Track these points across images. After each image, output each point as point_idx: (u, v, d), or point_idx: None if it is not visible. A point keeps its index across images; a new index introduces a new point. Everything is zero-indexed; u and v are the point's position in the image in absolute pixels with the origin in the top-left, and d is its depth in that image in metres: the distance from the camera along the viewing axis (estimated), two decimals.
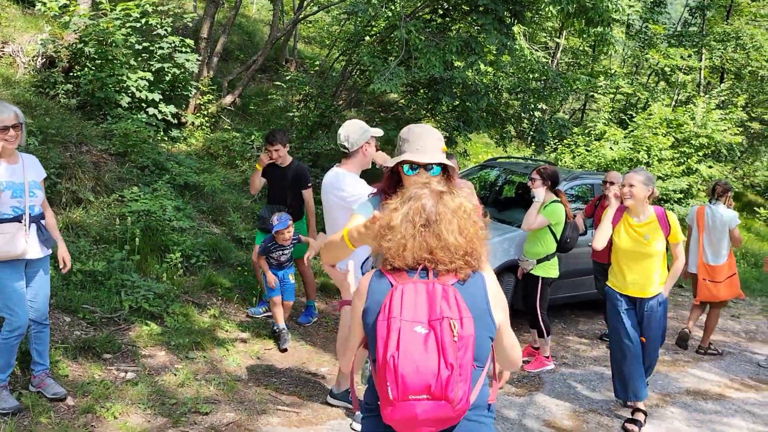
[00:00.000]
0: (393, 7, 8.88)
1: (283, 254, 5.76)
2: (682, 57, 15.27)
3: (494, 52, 8.53)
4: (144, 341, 5.19)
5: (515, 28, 8.73)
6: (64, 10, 8.79)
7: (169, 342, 5.27)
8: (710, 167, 13.15)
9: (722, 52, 15.66)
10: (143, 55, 9.15)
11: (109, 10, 8.76)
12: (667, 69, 15.95)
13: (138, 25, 8.91)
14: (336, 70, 10.31)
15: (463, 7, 8.80)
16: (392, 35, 9.06)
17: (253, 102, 11.96)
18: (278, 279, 5.73)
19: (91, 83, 8.37)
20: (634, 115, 14.70)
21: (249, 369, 5.20)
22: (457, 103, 8.84)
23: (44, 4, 8.66)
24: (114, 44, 8.42)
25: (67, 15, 8.66)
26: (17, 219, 3.84)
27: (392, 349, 1.96)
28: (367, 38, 9.28)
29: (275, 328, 5.83)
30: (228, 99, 10.60)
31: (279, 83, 10.37)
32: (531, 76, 9.63)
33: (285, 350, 5.66)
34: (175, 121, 9.37)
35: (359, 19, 9.37)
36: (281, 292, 5.78)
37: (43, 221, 4.04)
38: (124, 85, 8.53)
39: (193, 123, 9.77)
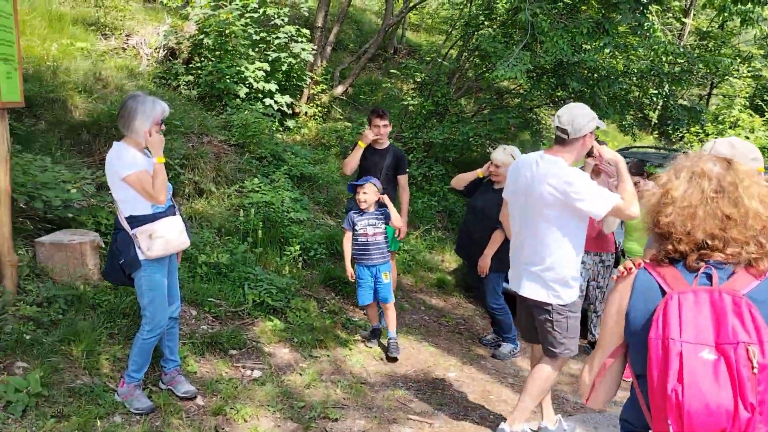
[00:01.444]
0: None
1: (369, 224, 5.06)
2: None
3: (629, 32, 7.87)
4: (268, 337, 5.07)
5: (652, 7, 8.02)
6: (185, 1, 8.90)
7: (292, 339, 5.13)
8: None
9: None
10: (260, 45, 9.14)
11: (228, 1, 8.78)
12: None
13: (256, 15, 8.90)
14: (451, 58, 9.92)
15: None
16: (515, 18, 8.56)
17: (363, 91, 11.80)
18: (370, 277, 5.13)
19: (211, 74, 8.42)
20: None
21: (373, 371, 4.98)
22: (584, 89, 8.24)
23: None
24: (233, 35, 8.43)
25: (189, 6, 8.76)
26: (172, 211, 3.78)
27: (673, 381, 1.58)
28: (487, 22, 8.84)
29: (373, 328, 5.52)
30: (339, 89, 10.47)
31: (394, 71, 10.11)
32: (665, 58, 8.86)
33: (395, 359, 5.22)
34: (290, 112, 9.33)
35: (479, 1, 8.95)
36: (375, 293, 5.20)
37: None
38: (242, 75, 8.54)
39: (305, 113, 9.70)
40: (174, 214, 3.78)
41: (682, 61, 8.91)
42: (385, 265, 5.15)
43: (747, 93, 13.78)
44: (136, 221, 3.65)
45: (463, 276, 7.77)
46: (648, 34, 8.02)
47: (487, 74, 8.96)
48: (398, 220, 5.10)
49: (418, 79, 8.81)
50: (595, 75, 8.35)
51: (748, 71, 13.88)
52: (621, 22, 7.55)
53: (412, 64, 9.39)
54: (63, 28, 8.58)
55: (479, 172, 5.47)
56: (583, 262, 5.79)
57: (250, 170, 7.57)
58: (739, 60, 12.82)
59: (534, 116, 9.09)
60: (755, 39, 16.51)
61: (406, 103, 8.88)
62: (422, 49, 14.91)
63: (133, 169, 3.56)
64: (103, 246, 4.93)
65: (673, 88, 9.42)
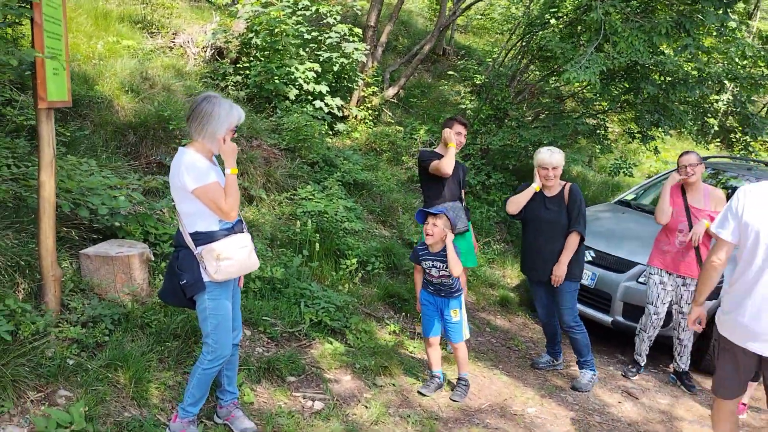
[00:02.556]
0: None
1: (433, 266, 4.38)
2: None
3: (708, 34, 7.26)
4: (328, 362, 4.62)
5: (738, 6, 7.39)
6: None
7: (353, 364, 4.67)
8: None
9: None
10: (311, 45, 8.74)
11: None
12: None
13: (307, 13, 8.50)
14: (509, 60, 9.38)
15: None
16: (583, 17, 8.00)
17: (413, 94, 11.33)
18: (436, 309, 4.52)
19: (260, 75, 8.03)
20: None
21: (444, 404, 4.49)
22: (659, 93, 7.64)
23: None
24: (284, 33, 8.03)
25: (239, 3, 8.40)
26: (240, 227, 3.36)
27: None
28: (553, 21, 8.29)
29: (433, 374, 4.70)
30: (391, 91, 10.02)
31: (452, 72, 9.62)
32: (742, 62, 8.21)
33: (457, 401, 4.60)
34: (339, 115, 8.91)
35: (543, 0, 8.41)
36: (440, 329, 4.58)
37: None
38: (292, 76, 8.14)
39: (355, 116, 9.27)
40: (242, 231, 3.35)
41: (763, 64, 8.24)
42: (454, 301, 4.49)
43: None
44: (201, 238, 3.23)
45: (527, 292, 7.23)
46: (732, 35, 7.38)
47: (554, 77, 8.42)
48: (457, 266, 4.28)
49: (478, 82, 8.30)
50: (668, 79, 7.74)
51: None
52: (706, 21, 6.93)
53: (471, 66, 8.88)
54: (109, 26, 8.29)
55: (536, 187, 4.95)
56: (662, 283, 5.24)
57: (302, 176, 7.15)
58: None
59: (602, 122, 8.49)
60: None
61: (463, 107, 8.38)
62: (472, 50, 14.40)
63: (203, 180, 3.14)
64: (153, 259, 4.53)
65: (755, 94, 8.76)
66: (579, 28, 8.11)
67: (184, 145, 3.34)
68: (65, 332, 3.69)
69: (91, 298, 4.13)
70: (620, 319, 5.82)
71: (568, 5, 8.31)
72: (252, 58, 8.43)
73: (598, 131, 8.29)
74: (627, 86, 7.98)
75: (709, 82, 8.05)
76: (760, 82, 8.31)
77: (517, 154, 8.48)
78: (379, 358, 4.80)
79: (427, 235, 4.29)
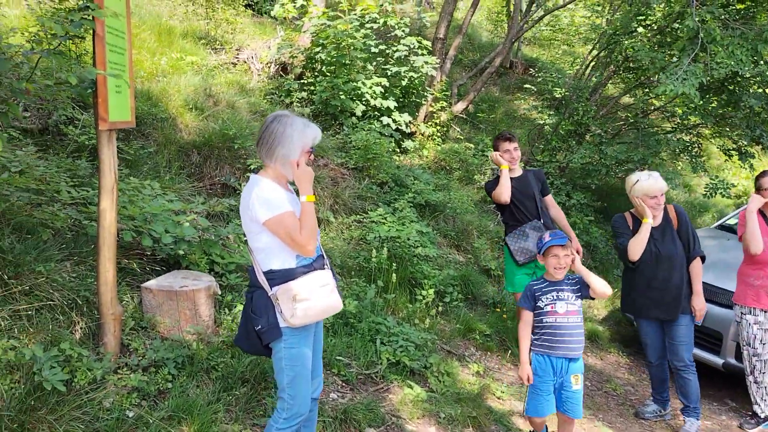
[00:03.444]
0: None
1: (558, 298, 3.59)
2: None
3: None
4: (409, 410, 4.13)
5: None
6: (301, 11, 8.23)
7: (437, 413, 4.16)
8: None
9: None
10: (378, 59, 8.34)
11: (347, 9, 8.03)
12: None
13: (376, 25, 8.11)
14: (588, 73, 8.77)
15: None
16: (674, 25, 7.37)
17: (481, 109, 10.82)
18: (554, 377, 3.61)
19: (326, 90, 7.67)
20: None
21: None
22: (762, 107, 6.93)
23: (283, 5, 8.13)
24: (352, 47, 7.66)
25: (305, 17, 8.08)
26: (320, 264, 2.91)
27: None
28: (641, 30, 7.67)
29: None
30: (459, 106, 9.54)
31: (529, 86, 9.09)
32: None
33: None
34: (407, 131, 8.48)
35: (628, 7, 7.80)
36: (556, 401, 3.65)
37: None
38: (359, 92, 7.75)
39: (423, 133, 8.81)
40: (323, 268, 2.90)
41: None
42: (576, 364, 3.61)
43: None
44: (277, 277, 2.80)
45: (617, 325, 6.61)
46: None
47: (642, 89, 7.79)
48: (600, 283, 3.58)
49: (558, 95, 7.74)
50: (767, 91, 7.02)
51: None
52: None
53: (550, 79, 8.32)
54: (172, 42, 8.09)
55: (646, 220, 4.34)
56: (758, 323, 4.56)
57: (371, 197, 6.73)
58: None
59: (696, 139, 7.80)
60: None
61: (542, 122, 7.82)
62: (540, 63, 13.81)
63: (276, 210, 2.72)
64: (219, 293, 4.14)
65: None
66: (668, 38, 7.46)
67: (256, 172, 2.93)
68: (125, 380, 3.31)
69: (153, 337, 3.76)
70: (732, 361, 5.15)
71: (657, 13, 7.68)
72: (317, 74, 8.09)
73: (690, 148, 7.60)
74: (725, 99, 7.28)
75: None
76: None
77: (599, 172, 7.85)
78: (465, 406, 4.28)
79: (560, 269, 3.59)
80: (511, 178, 4.92)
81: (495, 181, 4.99)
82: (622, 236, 4.44)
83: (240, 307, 4.32)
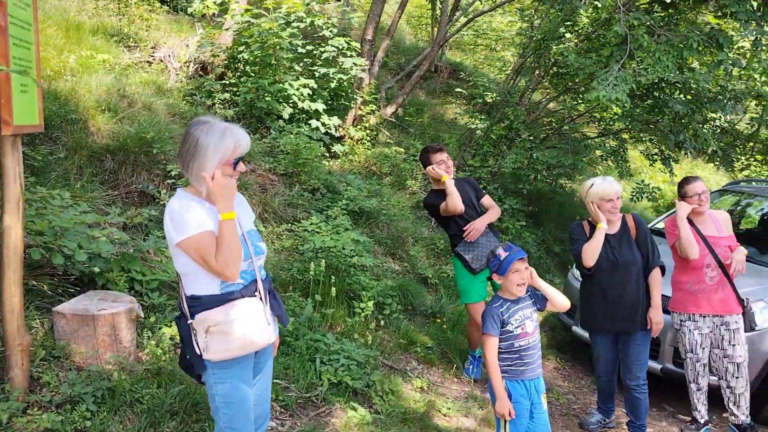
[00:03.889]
0: None
1: (527, 318, 3.34)
2: None
3: (752, 49, 6.72)
4: None
5: None
6: (222, 8, 7.81)
7: None
8: None
9: None
10: (305, 59, 8.02)
11: (272, 7, 7.67)
12: None
13: (302, 25, 7.79)
14: (514, 78, 8.75)
15: None
16: (601, 31, 7.44)
17: (408, 113, 10.67)
18: (528, 401, 3.35)
19: (250, 92, 7.29)
20: None
21: None
22: (687, 113, 7.08)
23: (203, 1, 7.68)
24: (279, 47, 7.31)
25: (227, 14, 7.66)
26: (251, 290, 2.56)
27: None
28: (568, 35, 7.71)
29: None
30: (388, 110, 9.33)
31: (460, 90, 8.99)
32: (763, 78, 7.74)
33: None
34: (337, 135, 8.20)
35: (556, 12, 7.83)
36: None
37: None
38: (286, 93, 7.40)
39: (352, 137, 8.55)
40: (253, 295, 2.55)
41: None
42: (542, 380, 3.46)
43: None
44: (198, 304, 2.47)
45: (552, 331, 6.56)
46: (764, 49, 6.87)
47: (578, 96, 7.83)
48: (561, 296, 3.44)
49: (489, 100, 7.67)
50: (688, 97, 7.19)
51: None
52: (744, 34, 6.40)
53: (481, 83, 8.24)
54: (81, 39, 7.47)
55: (600, 225, 4.22)
56: (698, 328, 4.56)
57: (302, 205, 6.41)
58: None
59: (623, 144, 7.91)
60: None
61: (473, 126, 7.72)
62: (464, 67, 13.84)
63: (189, 231, 2.40)
64: (142, 316, 3.73)
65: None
66: (595, 44, 7.54)
67: (185, 184, 2.60)
68: (36, 421, 2.88)
69: (68, 369, 3.32)
70: (670, 366, 5.17)
71: (584, 18, 7.74)
72: (240, 74, 7.69)
73: (617, 153, 7.70)
74: (650, 105, 7.41)
75: (731, 101, 7.54)
76: None
77: (529, 177, 7.84)
78: (413, 427, 4.06)
79: (522, 285, 3.32)
80: (440, 191, 4.84)
81: (435, 196, 4.86)
82: (577, 242, 4.32)
83: (165, 330, 3.93)
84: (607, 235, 4.23)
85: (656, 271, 4.27)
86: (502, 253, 3.33)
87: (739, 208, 7.33)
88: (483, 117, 7.71)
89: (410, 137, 9.73)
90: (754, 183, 7.50)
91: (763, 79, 8.25)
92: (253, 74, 7.51)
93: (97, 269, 3.93)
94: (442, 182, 4.77)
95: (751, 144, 10.75)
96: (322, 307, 4.94)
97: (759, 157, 10.72)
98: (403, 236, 6.91)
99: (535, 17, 8.64)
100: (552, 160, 7.33)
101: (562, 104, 8.47)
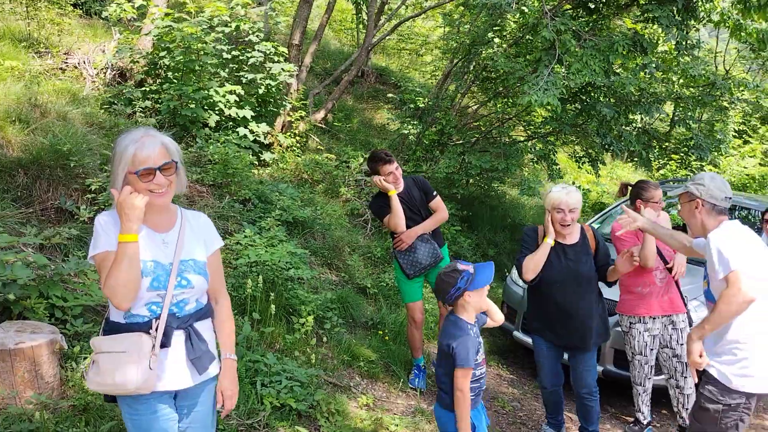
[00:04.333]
0: (529, 2, 7.36)
1: (480, 344, 3.14)
2: None
3: (671, 52, 6.94)
4: None
5: (697, 21, 7.11)
6: (141, 12, 7.43)
7: None
8: None
9: None
10: (231, 65, 7.74)
11: (194, 12, 7.35)
12: None
13: (227, 29, 7.51)
14: (444, 83, 8.74)
15: (620, 0, 7.23)
16: (528, 36, 7.52)
17: (337, 118, 10.51)
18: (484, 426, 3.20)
19: (174, 99, 6.95)
20: (759, 126, 13.00)
21: None
22: (614, 116, 7.23)
23: (119, 5, 7.28)
24: (203, 52, 7.01)
25: (148, 19, 7.29)
26: (149, 326, 2.30)
27: None
28: (497, 40, 7.75)
29: None
30: (318, 115, 9.15)
31: (392, 95, 8.90)
32: (694, 81, 8.00)
33: None
34: (266, 142, 7.94)
35: (484, 18, 7.86)
36: None
37: (199, 326, 2.47)
38: (211, 101, 7.11)
39: (281, 144, 8.31)
40: (147, 332, 2.28)
41: (707, 84, 8.07)
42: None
43: (740, 118, 13.27)
44: (106, 330, 2.35)
45: (492, 336, 6.54)
46: (691, 52, 7.11)
47: (509, 100, 7.88)
48: (499, 312, 3.30)
49: (421, 105, 7.61)
50: (612, 100, 7.37)
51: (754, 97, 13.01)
52: (667, 39, 6.59)
53: (413, 88, 8.18)
54: None
55: (548, 240, 4.07)
56: (647, 330, 4.62)
57: (233, 216, 6.14)
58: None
59: (552, 147, 8.01)
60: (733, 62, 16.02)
61: (405, 132, 7.65)
62: (390, 72, 13.80)
63: (98, 248, 2.26)
64: (66, 348, 3.42)
65: (698, 113, 8.61)
66: (524, 49, 7.62)
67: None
68: None
69: None
70: (612, 368, 5.21)
71: (512, 23, 7.81)
72: (162, 80, 7.34)
73: (547, 156, 7.80)
74: (578, 108, 7.54)
75: (656, 104, 7.78)
76: (704, 101, 8.14)
77: (464, 181, 7.83)
78: None
79: (481, 308, 3.15)
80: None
81: (379, 201, 4.75)
82: (525, 251, 4.17)
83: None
84: (564, 246, 4.10)
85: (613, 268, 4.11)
86: (469, 268, 3.06)
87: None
88: (415, 122, 7.64)
89: (341, 143, 9.58)
90: (674, 183, 7.72)
91: (681, 81, 8.57)
92: (176, 81, 7.18)
93: (12, 297, 3.57)
94: (389, 196, 4.66)
95: (667, 144, 11.20)
96: (260, 325, 4.71)
97: (675, 156, 11.17)
98: (340, 245, 6.75)
99: (464, 21, 8.66)
100: (486, 164, 7.34)
101: (493, 108, 8.52)
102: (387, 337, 5.50)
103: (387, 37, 14.14)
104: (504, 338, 6.45)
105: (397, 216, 4.61)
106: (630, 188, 4.80)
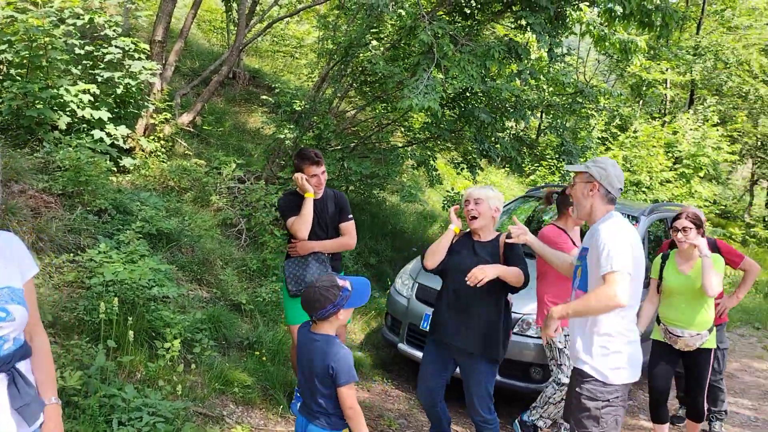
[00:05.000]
0: (406, 5, 7.23)
1: None
2: (661, 71, 14.48)
3: (544, 59, 7.03)
4: None
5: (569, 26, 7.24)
6: None
7: None
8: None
9: (702, 66, 14.98)
10: (85, 61, 7.00)
11: (41, 2, 6.57)
12: (648, 82, 15.14)
13: (79, 22, 6.77)
14: (322, 86, 8.41)
15: (494, 6, 7.24)
16: (406, 39, 7.38)
17: (207, 121, 9.89)
18: None
19: (17, 98, 6.16)
20: (618, 133, 13.72)
21: None
22: (490, 122, 7.24)
23: None
24: (51, 47, 6.26)
25: None
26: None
27: None
28: (375, 43, 7.54)
29: None
30: (185, 118, 8.52)
31: (266, 97, 8.45)
32: (563, 89, 8.21)
33: None
34: (126, 147, 7.25)
35: (360, 20, 7.64)
36: None
37: (22, 367, 2.05)
38: (62, 100, 6.37)
39: (143, 149, 7.64)
40: None
41: (574, 92, 8.32)
42: None
43: (603, 125, 13.95)
44: None
45: (376, 350, 6.30)
46: (563, 59, 7.24)
47: (388, 104, 7.68)
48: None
49: (298, 108, 7.24)
50: (499, 107, 7.41)
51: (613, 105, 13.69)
52: (540, 46, 6.65)
53: (289, 90, 7.77)
54: None
55: (455, 228, 3.96)
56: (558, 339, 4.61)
57: (87, 230, 5.47)
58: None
59: (432, 152, 7.90)
60: (593, 72, 16.89)
61: (281, 136, 7.23)
62: (263, 74, 13.29)
63: None
64: None
65: (567, 120, 8.83)
66: (402, 52, 7.47)
67: None
68: None
69: None
70: (499, 377, 5.11)
71: (389, 27, 7.64)
72: (2, 77, 6.49)
73: (427, 162, 7.69)
74: (457, 114, 7.49)
75: (531, 111, 7.90)
76: (573, 108, 8.38)
77: (344, 188, 7.55)
78: None
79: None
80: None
81: (291, 199, 4.32)
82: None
83: None
84: (474, 242, 3.93)
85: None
86: (347, 284, 2.90)
87: (542, 211, 7.68)
88: (291, 126, 7.26)
89: (211, 148, 8.99)
90: (547, 188, 7.87)
91: (552, 89, 8.79)
92: (19, 78, 6.37)
93: None
94: (305, 197, 4.24)
95: (536, 150, 11.55)
96: (117, 353, 4.16)
97: (544, 163, 11.55)
98: (211, 259, 6.24)
99: (341, 22, 8.40)
100: (366, 170, 7.10)
101: (373, 113, 8.30)
102: (264, 358, 5.09)
103: (260, 38, 13.67)
104: (388, 351, 6.23)
105: (305, 221, 4.18)
106: (556, 197, 4.75)
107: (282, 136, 7.22)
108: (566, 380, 4.45)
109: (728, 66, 14.69)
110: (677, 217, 4.49)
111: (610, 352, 3.05)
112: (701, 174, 11.93)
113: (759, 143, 16.81)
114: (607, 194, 3.15)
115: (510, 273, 3.68)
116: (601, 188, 3.14)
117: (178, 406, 3.88)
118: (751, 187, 18.94)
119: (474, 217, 3.89)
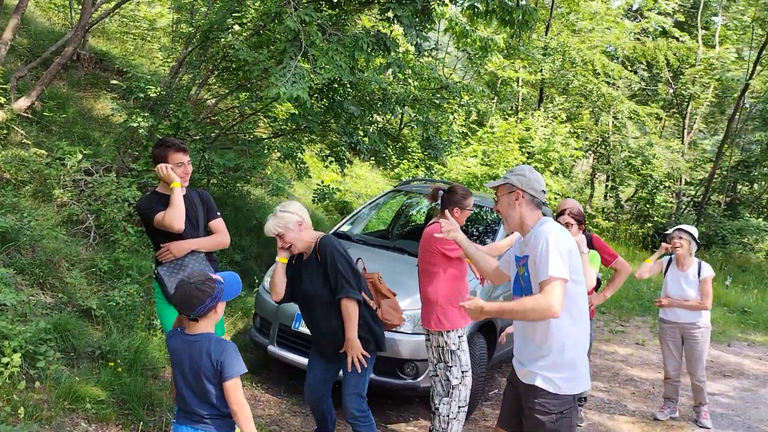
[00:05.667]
0: None
1: None
2: (515, 69, 15.15)
3: (410, 53, 7.02)
4: None
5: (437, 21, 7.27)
6: None
7: None
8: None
9: (551, 66, 15.86)
10: None
11: None
12: (502, 80, 15.79)
13: None
14: (185, 74, 7.87)
15: None
16: (271, 25, 7.09)
17: (48, 107, 8.98)
18: None
19: None
20: (476, 128, 14.17)
21: None
22: (360, 115, 7.14)
23: None
24: None
25: None
26: None
27: None
28: (237, 27, 7.16)
29: None
30: (22, 103, 7.66)
31: (116, 82, 7.75)
32: (428, 84, 8.27)
33: None
34: None
35: (221, 2, 7.24)
36: None
37: None
38: None
39: None
40: None
41: (440, 87, 8.43)
42: None
43: (462, 121, 14.35)
44: None
45: (244, 353, 5.97)
46: (431, 54, 7.27)
47: (253, 93, 7.31)
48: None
49: (153, 95, 6.69)
50: (367, 99, 7.32)
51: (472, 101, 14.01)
52: (408, 40, 6.62)
53: (142, 74, 7.16)
54: None
55: (279, 259, 3.93)
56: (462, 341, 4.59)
57: None
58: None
59: (299, 145, 7.64)
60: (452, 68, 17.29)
61: (135, 125, 6.66)
62: (112, 57, 12.31)
63: None
64: None
65: (432, 115, 8.91)
66: (266, 38, 7.17)
67: None
68: None
69: None
70: (373, 375, 5.01)
71: (252, 11, 7.28)
72: None
73: (294, 155, 7.44)
74: (326, 105, 7.30)
75: (398, 104, 7.90)
76: (437, 103, 8.49)
77: (205, 181, 7.13)
78: None
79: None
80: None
81: (153, 201, 3.89)
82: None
83: None
84: (300, 265, 3.93)
85: (344, 303, 3.77)
86: (218, 277, 2.85)
87: (410, 205, 7.72)
88: (146, 114, 6.71)
89: (53, 136, 8.15)
90: (417, 182, 7.93)
91: (417, 83, 8.86)
92: None
93: None
94: (170, 188, 3.81)
95: (400, 144, 11.66)
96: None
97: (409, 156, 11.69)
98: (55, 260, 5.62)
99: (199, 5, 7.91)
100: (230, 162, 6.72)
101: (235, 102, 7.90)
102: (120, 369, 4.64)
103: (108, 18, 12.67)
104: (257, 353, 5.95)
105: (178, 211, 3.77)
106: (442, 194, 4.61)
107: (135, 125, 6.64)
108: (456, 381, 4.44)
109: (574, 66, 15.69)
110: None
111: (564, 362, 2.98)
112: (552, 168, 12.66)
113: (599, 139, 18.13)
114: (533, 199, 3.10)
115: None
116: (526, 195, 3.09)
117: (19, 429, 3.40)
118: (591, 180, 20.44)
119: (288, 248, 3.86)
